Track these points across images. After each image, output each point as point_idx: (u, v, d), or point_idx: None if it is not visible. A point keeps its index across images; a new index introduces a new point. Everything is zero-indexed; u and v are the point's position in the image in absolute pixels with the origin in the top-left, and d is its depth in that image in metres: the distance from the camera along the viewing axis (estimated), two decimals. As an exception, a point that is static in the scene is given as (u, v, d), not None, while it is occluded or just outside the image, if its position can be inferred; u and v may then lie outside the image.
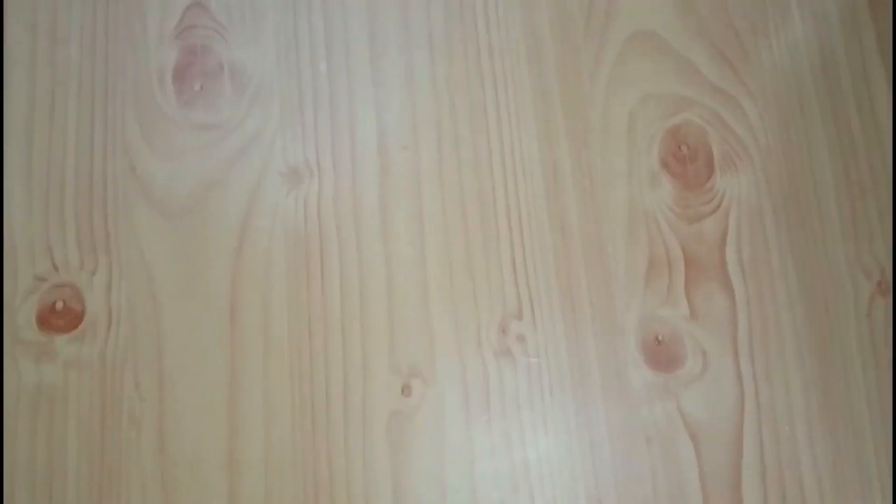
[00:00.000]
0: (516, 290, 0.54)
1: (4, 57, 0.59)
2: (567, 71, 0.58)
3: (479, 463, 0.52)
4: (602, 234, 0.56)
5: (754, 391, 0.53)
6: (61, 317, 0.55)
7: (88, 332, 0.55)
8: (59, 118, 0.58)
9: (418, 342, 0.54)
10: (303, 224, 0.56)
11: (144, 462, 0.53)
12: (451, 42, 0.59)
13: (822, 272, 0.55)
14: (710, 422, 0.53)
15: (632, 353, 0.54)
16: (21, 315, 0.55)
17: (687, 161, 0.56)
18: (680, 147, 0.57)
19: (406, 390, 0.54)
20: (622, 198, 0.57)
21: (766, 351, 0.54)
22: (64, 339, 0.55)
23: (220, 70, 0.59)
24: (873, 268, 0.55)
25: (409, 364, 0.54)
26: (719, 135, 0.57)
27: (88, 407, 0.54)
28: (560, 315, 0.54)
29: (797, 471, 0.52)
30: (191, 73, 0.59)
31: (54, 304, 0.55)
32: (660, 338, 0.54)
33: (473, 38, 0.59)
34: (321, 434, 0.53)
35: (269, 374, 0.53)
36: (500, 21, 0.59)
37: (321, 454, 0.52)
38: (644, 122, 0.57)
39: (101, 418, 0.54)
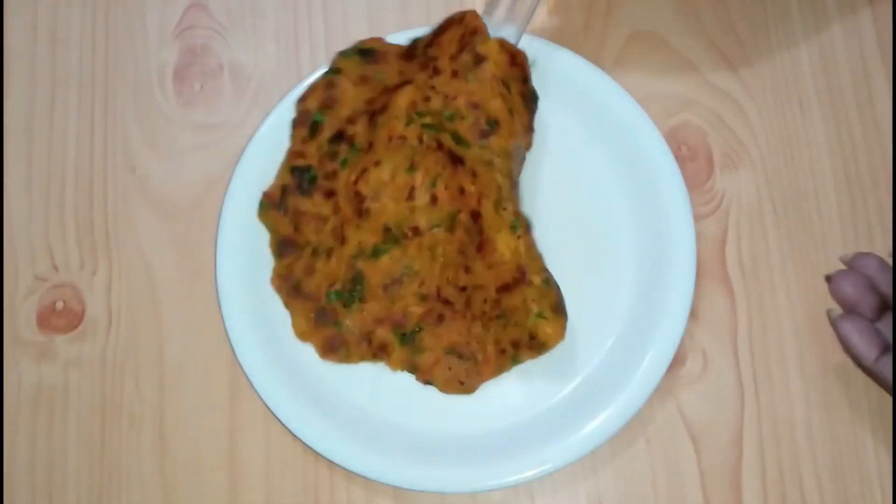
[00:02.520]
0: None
1: (4, 57, 0.59)
2: (567, 71, 0.58)
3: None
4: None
5: (754, 391, 0.53)
6: (61, 317, 0.55)
7: (88, 332, 0.55)
8: (59, 118, 0.58)
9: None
10: (303, 224, 0.56)
11: (144, 462, 0.53)
12: (451, 42, 0.59)
13: (822, 272, 0.55)
14: (710, 422, 0.53)
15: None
16: (21, 315, 0.55)
17: (687, 161, 0.56)
18: (680, 147, 0.57)
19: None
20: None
21: (766, 351, 0.54)
22: (64, 339, 0.55)
23: (220, 70, 0.59)
24: (873, 268, 0.55)
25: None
26: (719, 135, 0.57)
27: (88, 407, 0.54)
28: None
29: (797, 471, 0.52)
30: (191, 73, 0.59)
31: (54, 304, 0.55)
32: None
33: (473, 38, 0.59)
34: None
35: (269, 374, 0.53)
36: (500, 21, 0.59)
37: (321, 454, 0.52)
38: (644, 122, 0.57)
39: (101, 418, 0.54)
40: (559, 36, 0.58)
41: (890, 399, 0.53)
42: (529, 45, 0.56)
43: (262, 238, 0.54)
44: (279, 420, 0.51)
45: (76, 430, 0.53)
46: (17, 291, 0.55)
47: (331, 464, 0.51)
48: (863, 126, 0.57)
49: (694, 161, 0.57)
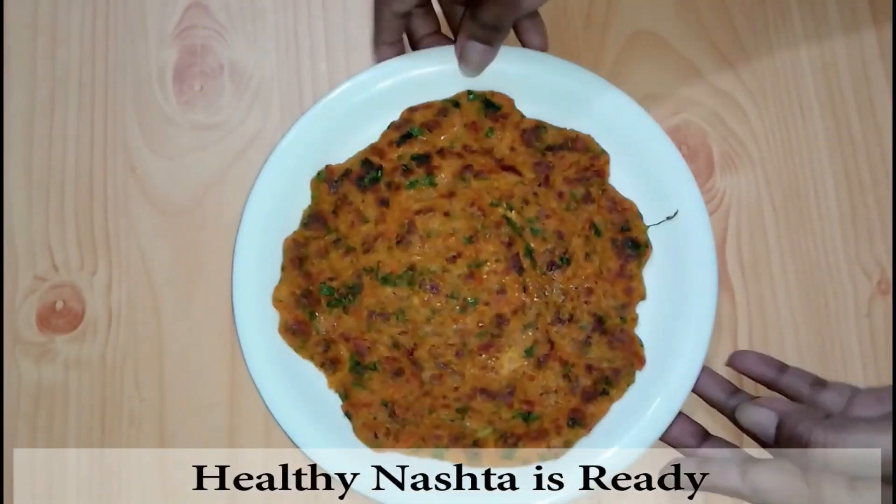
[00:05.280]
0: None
1: (4, 56, 0.59)
2: (567, 71, 0.58)
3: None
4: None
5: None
6: (61, 317, 0.55)
7: (88, 332, 0.55)
8: (59, 118, 0.58)
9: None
10: (303, 224, 0.56)
11: (144, 462, 0.53)
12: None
13: (822, 272, 0.55)
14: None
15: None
16: (21, 315, 0.55)
17: (687, 161, 0.56)
18: (680, 147, 0.57)
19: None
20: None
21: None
22: (64, 339, 0.55)
23: (220, 70, 0.59)
24: (873, 268, 0.55)
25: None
26: (719, 135, 0.57)
27: (88, 407, 0.54)
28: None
29: (797, 471, 0.52)
30: (191, 73, 0.59)
31: (54, 304, 0.55)
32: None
33: (473, 38, 0.59)
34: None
35: (269, 374, 0.53)
36: (500, 21, 0.59)
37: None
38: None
39: (101, 418, 0.54)
40: (560, 37, 0.58)
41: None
42: (527, 59, 0.54)
43: (280, 243, 0.54)
44: (279, 424, 0.51)
45: (76, 430, 0.53)
46: (17, 291, 0.55)
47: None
48: (863, 126, 0.58)
49: (694, 161, 0.57)
